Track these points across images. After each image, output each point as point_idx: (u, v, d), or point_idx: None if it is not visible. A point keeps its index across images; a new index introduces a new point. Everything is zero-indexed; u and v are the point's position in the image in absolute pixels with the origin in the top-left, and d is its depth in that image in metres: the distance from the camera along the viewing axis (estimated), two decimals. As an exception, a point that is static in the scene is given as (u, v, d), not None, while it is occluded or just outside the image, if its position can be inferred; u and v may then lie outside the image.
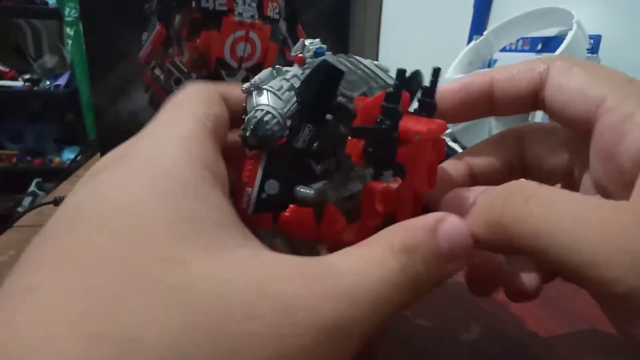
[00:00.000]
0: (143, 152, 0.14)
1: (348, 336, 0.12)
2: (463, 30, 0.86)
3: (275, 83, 0.18)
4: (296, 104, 0.18)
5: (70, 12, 1.40)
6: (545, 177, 0.20)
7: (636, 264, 0.12)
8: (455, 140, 0.59)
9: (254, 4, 0.39)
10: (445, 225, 0.14)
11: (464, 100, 0.19)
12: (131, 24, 0.38)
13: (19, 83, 1.79)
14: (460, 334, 0.26)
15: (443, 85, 0.20)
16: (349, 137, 0.16)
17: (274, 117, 0.18)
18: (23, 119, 1.94)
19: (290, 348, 0.11)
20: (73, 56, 1.51)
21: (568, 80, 0.17)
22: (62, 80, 1.81)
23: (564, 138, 0.19)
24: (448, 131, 0.60)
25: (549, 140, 0.20)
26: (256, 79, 0.19)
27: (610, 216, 0.13)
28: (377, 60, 0.25)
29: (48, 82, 1.81)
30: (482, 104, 0.19)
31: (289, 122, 0.18)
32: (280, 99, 0.18)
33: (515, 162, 0.20)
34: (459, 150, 0.57)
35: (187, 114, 0.16)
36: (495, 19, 0.80)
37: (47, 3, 1.72)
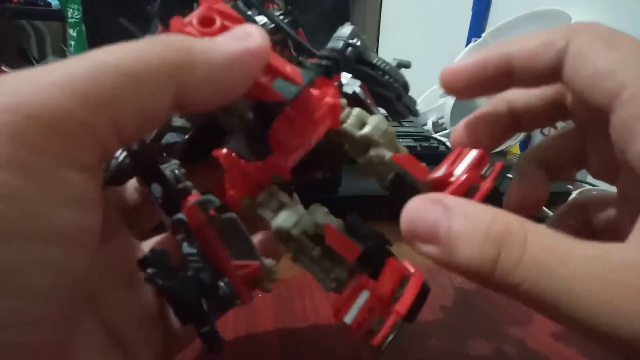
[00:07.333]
0: None
1: None
2: (461, 33, 0.87)
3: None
4: None
5: (73, 14, 1.40)
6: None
7: None
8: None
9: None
10: None
11: (479, 78, 0.19)
12: (134, 25, 0.39)
13: (22, 84, 1.80)
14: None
15: (457, 62, 0.19)
16: None
17: None
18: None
19: None
20: (76, 57, 1.52)
21: (586, 62, 0.16)
22: (64, 81, 1.81)
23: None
24: (446, 131, 0.61)
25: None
26: None
27: (619, 279, 0.12)
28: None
29: (51, 83, 1.81)
30: (498, 80, 0.19)
31: None
32: None
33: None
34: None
35: None
36: (493, 21, 0.81)
37: (50, 5, 1.72)
